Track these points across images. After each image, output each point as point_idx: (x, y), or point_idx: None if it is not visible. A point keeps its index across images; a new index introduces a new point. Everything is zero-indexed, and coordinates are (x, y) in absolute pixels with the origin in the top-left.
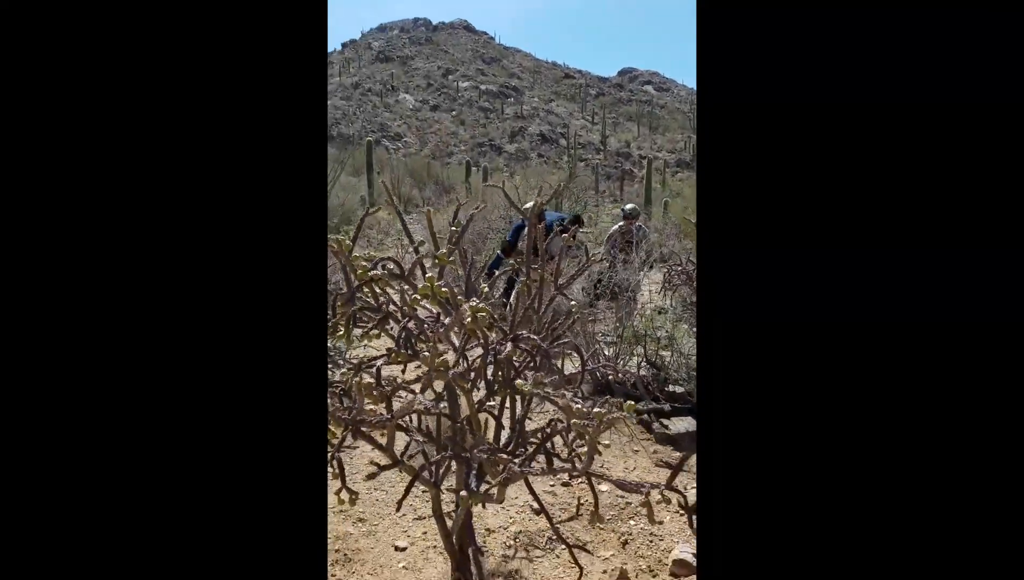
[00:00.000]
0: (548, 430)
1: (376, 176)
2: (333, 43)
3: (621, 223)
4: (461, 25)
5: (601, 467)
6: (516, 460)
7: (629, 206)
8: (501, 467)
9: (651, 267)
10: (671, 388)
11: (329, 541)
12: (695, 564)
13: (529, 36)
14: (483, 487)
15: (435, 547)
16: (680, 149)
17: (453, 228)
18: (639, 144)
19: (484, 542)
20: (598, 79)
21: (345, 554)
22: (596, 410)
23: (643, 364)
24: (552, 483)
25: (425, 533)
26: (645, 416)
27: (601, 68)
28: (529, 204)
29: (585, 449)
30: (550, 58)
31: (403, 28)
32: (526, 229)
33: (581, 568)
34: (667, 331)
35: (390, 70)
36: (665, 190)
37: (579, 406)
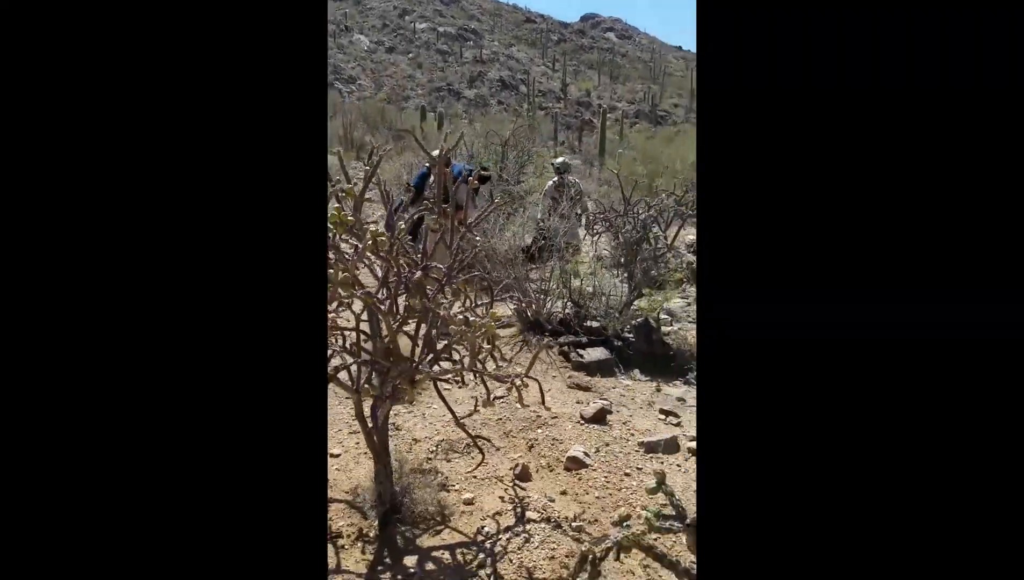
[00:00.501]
0: (449, 343)
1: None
2: None
3: (555, 178)
4: None
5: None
6: (423, 365)
7: (559, 160)
8: (410, 373)
9: (593, 221)
10: (589, 323)
11: None
12: (584, 460)
13: None
14: (397, 391)
15: (365, 453)
16: (640, 100)
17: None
18: (599, 93)
19: (411, 449)
20: (560, 24)
21: None
22: (474, 319)
23: (568, 303)
24: (472, 403)
25: (357, 443)
26: (565, 347)
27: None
28: (436, 151)
29: (489, 360)
30: (510, 0)
31: None
32: (431, 177)
33: (483, 454)
34: (592, 273)
35: (343, 9)
36: (622, 141)
37: (459, 316)
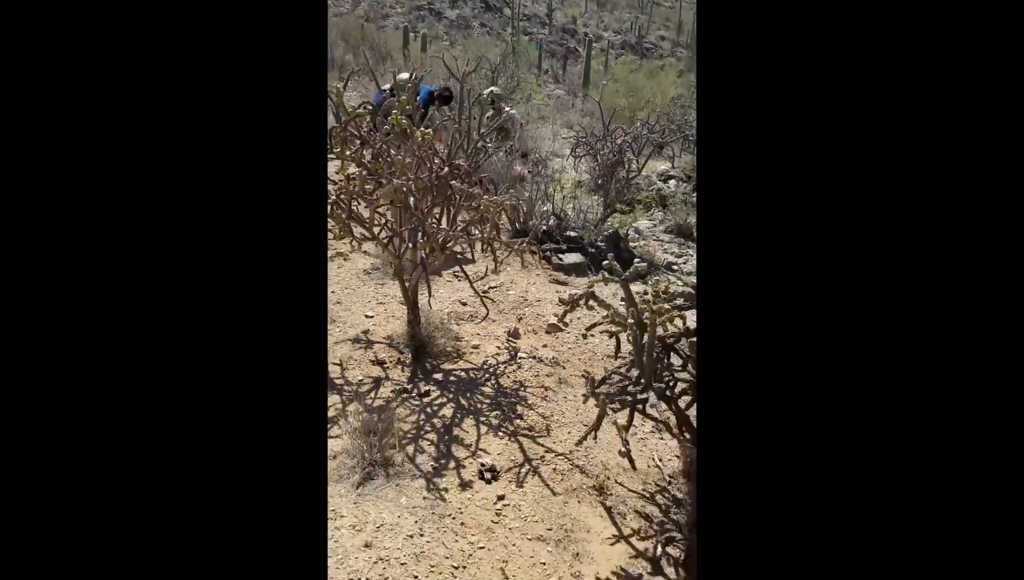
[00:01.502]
0: (469, 220)
1: None
2: None
3: (490, 111)
4: None
5: (511, 284)
6: (451, 235)
7: (489, 90)
8: (440, 239)
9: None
10: (568, 233)
11: None
12: (560, 326)
13: None
14: (426, 259)
15: (393, 316)
16: (627, 30)
17: (410, 85)
18: (586, 21)
19: (430, 318)
20: None
21: (330, 318)
22: (495, 197)
23: (551, 215)
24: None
25: (385, 308)
26: (547, 252)
27: None
28: (403, 75)
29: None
30: None
31: None
32: (387, 100)
33: (488, 310)
34: (574, 195)
35: None
36: (607, 73)
37: (486, 197)
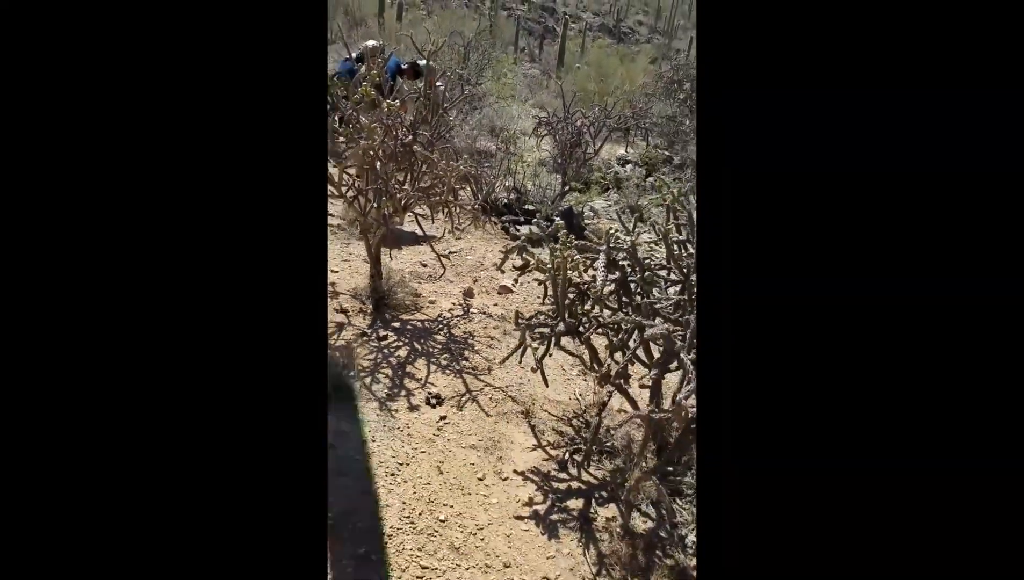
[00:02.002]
0: (431, 184)
1: None
2: None
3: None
4: None
5: (470, 250)
6: (412, 195)
7: (422, 63)
8: (402, 201)
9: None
10: (527, 207)
11: None
12: (511, 288)
13: None
14: (389, 218)
15: (357, 272)
16: (605, 12)
17: (379, 56)
18: (565, 0)
19: (390, 273)
20: None
21: None
22: (452, 164)
23: (512, 189)
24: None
25: (349, 265)
26: (506, 224)
27: None
28: (370, 42)
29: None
30: None
31: None
32: (360, 68)
33: (444, 269)
34: (535, 173)
35: None
36: (584, 55)
37: (443, 163)
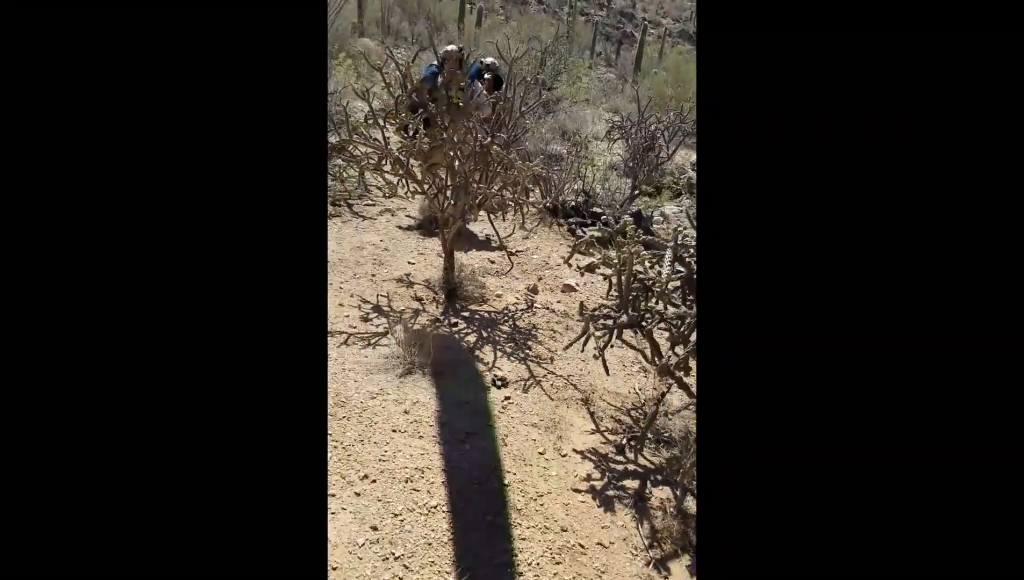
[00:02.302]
0: (504, 183)
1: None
2: None
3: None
4: None
5: (536, 250)
6: (488, 194)
7: (489, 60)
8: (478, 198)
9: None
10: (595, 209)
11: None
12: (575, 286)
13: None
14: (466, 212)
15: (432, 265)
16: (685, 19)
17: (457, 58)
18: (645, 6)
19: (462, 268)
20: None
21: (379, 262)
22: (526, 164)
23: (581, 192)
24: (505, 244)
25: (424, 258)
26: (573, 225)
27: None
28: (451, 47)
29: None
30: None
31: None
32: (441, 75)
33: (512, 264)
34: (604, 176)
35: None
36: (662, 60)
37: (519, 163)
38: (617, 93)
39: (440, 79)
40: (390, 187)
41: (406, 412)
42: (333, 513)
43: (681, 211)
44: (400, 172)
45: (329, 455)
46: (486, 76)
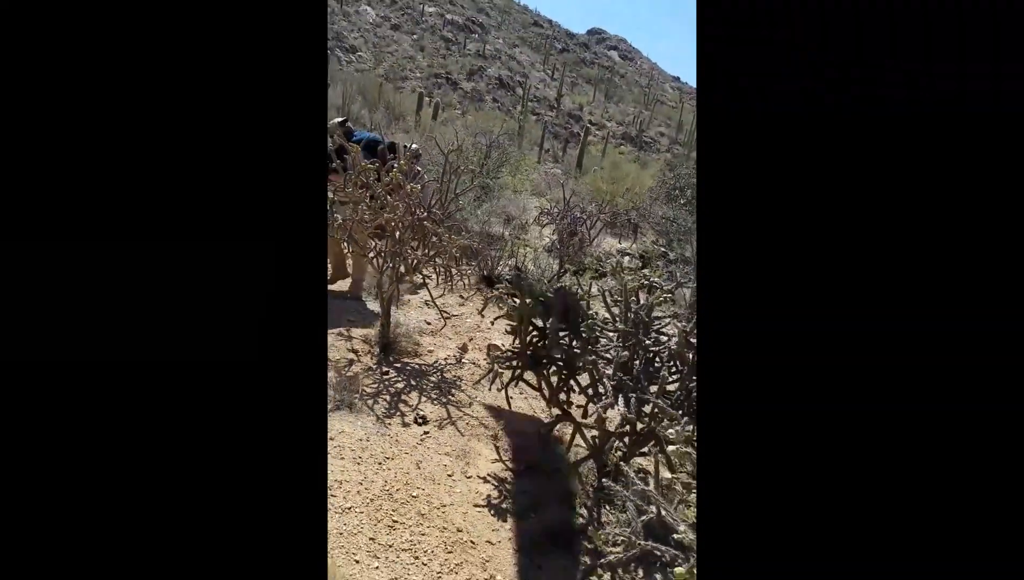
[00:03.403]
0: (435, 252)
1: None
2: None
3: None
4: None
5: (470, 315)
6: (422, 259)
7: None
8: (412, 263)
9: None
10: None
11: None
12: (500, 346)
13: None
14: (402, 277)
15: (369, 323)
16: (629, 123)
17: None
18: (592, 109)
19: (398, 325)
20: (566, 33)
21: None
22: (455, 238)
23: (514, 267)
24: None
25: (362, 317)
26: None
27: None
28: (336, 120)
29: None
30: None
31: None
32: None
33: (445, 322)
34: (535, 255)
35: None
36: (605, 159)
37: (439, 235)
38: (557, 186)
39: (390, 163)
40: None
41: (331, 439)
42: None
43: (600, 291)
44: (343, 236)
45: None
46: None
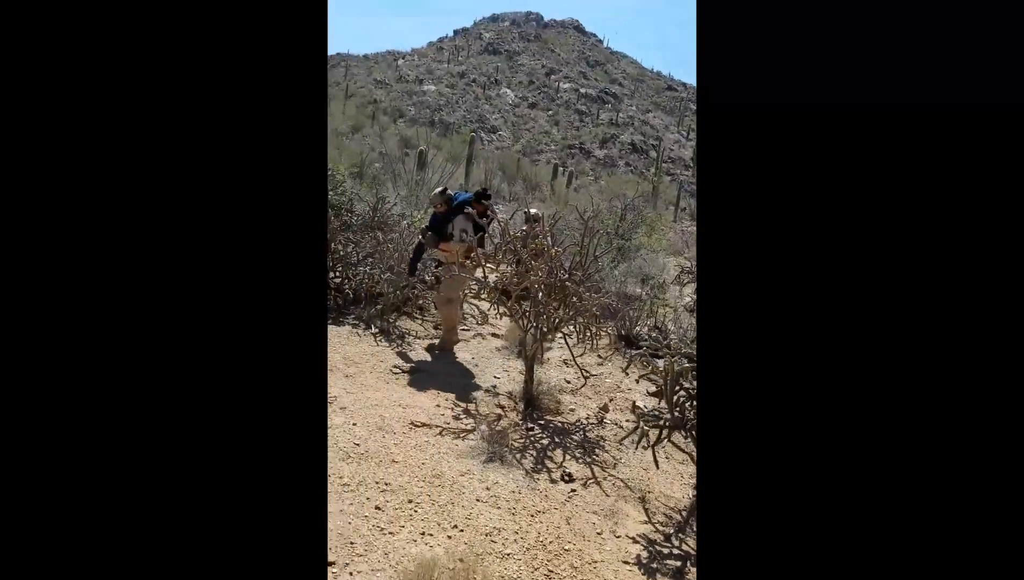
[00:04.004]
0: (576, 313)
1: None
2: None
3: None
4: (572, 24)
5: (609, 375)
6: (564, 319)
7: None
8: (555, 322)
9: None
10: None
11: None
12: (643, 407)
13: (637, 39)
14: (544, 335)
15: (514, 380)
16: None
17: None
18: None
19: (541, 383)
20: None
21: (470, 375)
22: (595, 297)
23: (654, 328)
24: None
25: (508, 374)
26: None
27: None
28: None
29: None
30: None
31: (515, 21)
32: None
33: (586, 380)
34: (674, 310)
35: (496, 63)
36: None
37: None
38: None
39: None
40: (482, 315)
41: (487, 488)
42: (431, 547)
43: None
44: (494, 298)
45: (427, 509)
46: (470, 207)
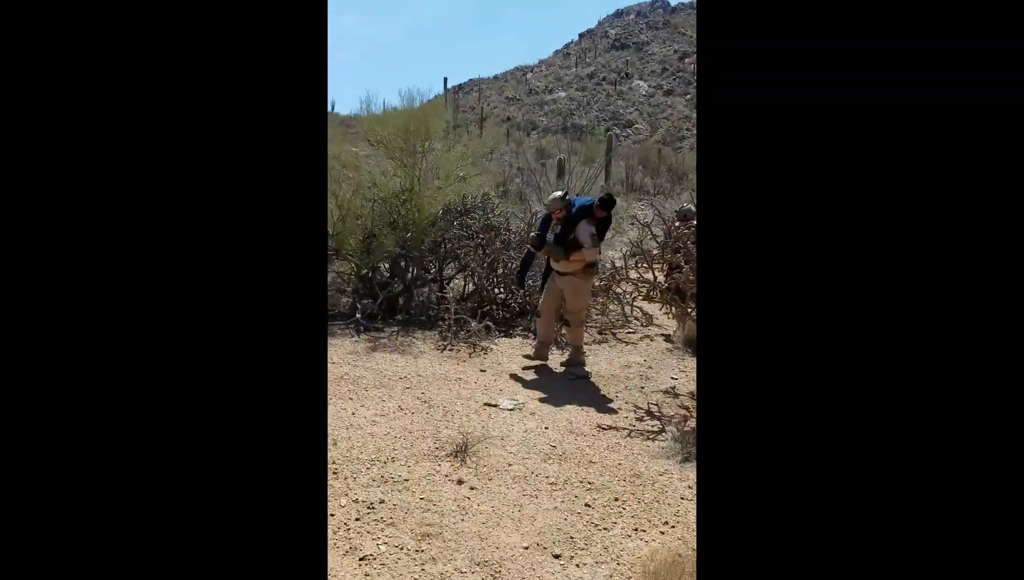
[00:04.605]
0: None
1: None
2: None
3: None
4: None
5: None
6: None
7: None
8: None
9: None
10: None
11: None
12: None
13: None
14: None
15: (694, 379)
16: None
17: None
18: None
19: None
20: None
21: (645, 377)
22: None
23: None
24: None
25: (686, 374)
26: None
27: None
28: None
29: None
30: None
31: (640, 12)
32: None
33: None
34: None
35: (625, 57)
36: None
37: None
38: None
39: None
40: (646, 317)
41: (690, 487)
42: (647, 543)
43: None
44: (668, 298)
45: (635, 507)
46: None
